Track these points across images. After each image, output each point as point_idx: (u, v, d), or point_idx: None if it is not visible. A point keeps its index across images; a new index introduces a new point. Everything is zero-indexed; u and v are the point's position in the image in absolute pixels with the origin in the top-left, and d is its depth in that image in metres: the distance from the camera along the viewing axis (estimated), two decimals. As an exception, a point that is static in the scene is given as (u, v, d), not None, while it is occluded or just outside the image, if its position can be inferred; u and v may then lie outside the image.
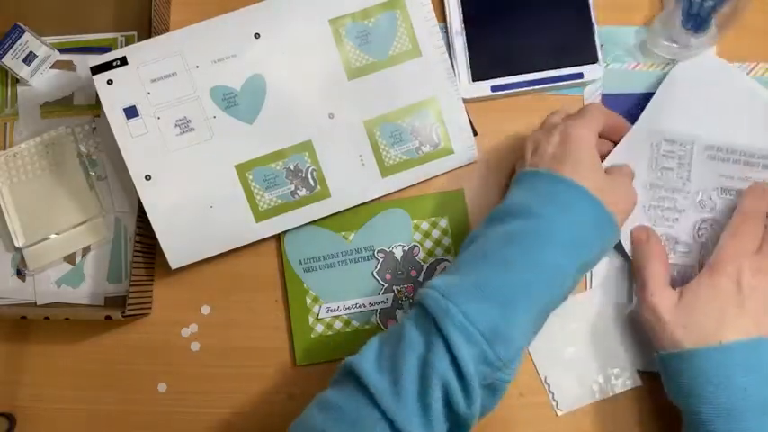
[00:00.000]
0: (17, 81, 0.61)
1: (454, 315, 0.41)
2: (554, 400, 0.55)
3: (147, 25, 0.58)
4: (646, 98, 0.58)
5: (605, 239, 0.48)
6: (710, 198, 0.54)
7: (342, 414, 0.41)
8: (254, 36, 0.54)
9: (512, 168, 0.58)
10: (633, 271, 0.53)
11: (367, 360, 0.42)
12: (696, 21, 0.54)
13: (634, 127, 0.54)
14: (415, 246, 0.57)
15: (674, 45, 0.56)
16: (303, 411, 0.44)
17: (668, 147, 0.55)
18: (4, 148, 0.60)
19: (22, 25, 0.59)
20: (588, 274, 0.56)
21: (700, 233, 0.54)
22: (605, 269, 0.56)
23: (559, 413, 0.55)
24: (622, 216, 0.49)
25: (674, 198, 0.55)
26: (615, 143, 0.54)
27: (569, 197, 0.46)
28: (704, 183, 0.54)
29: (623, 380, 0.55)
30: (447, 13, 0.58)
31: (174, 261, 0.55)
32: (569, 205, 0.46)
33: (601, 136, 0.52)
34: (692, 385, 0.46)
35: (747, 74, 0.58)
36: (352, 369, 0.42)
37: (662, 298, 0.48)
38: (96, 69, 0.53)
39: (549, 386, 0.55)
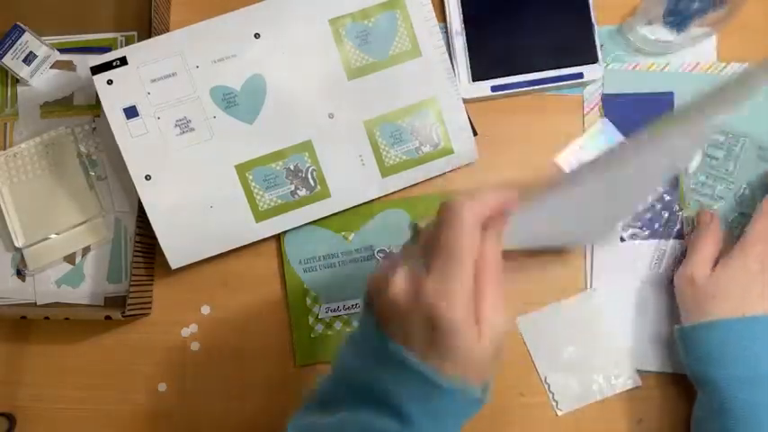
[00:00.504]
0: (17, 81, 0.61)
1: None
2: (554, 400, 0.55)
3: (147, 25, 0.58)
4: (646, 98, 0.58)
5: (472, 413, 0.41)
6: (753, 197, 0.56)
7: None
8: (254, 36, 0.54)
9: (510, 168, 0.58)
10: (688, 245, 0.55)
11: None
12: (677, 18, 0.55)
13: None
14: (415, 246, 0.57)
15: (650, 36, 0.57)
16: None
17: (719, 137, 0.56)
18: (4, 148, 0.60)
19: (22, 25, 0.59)
20: (588, 274, 0.56)
21: (732, 226, 0.56)
22: (605, 268, 0.56)
23: (559, 413, 0.55)
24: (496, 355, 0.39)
25: (713, 186, 0.56)
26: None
27: (449, 405, 0.39)
28: (748, 180, 0.56)
29: (623, 380, 0.55)
30: (447, 13, 0.58)
31: (174, 261, 0.54)
32: (446, 413, 0.39)
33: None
34: (712, 354, 0.49)
35: (747, 74, 0.58)
36: None
37: (699, 270, 0.51)
38: (96, 69, 0.53)
39: (548, 386, 0.55)
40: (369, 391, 0.39)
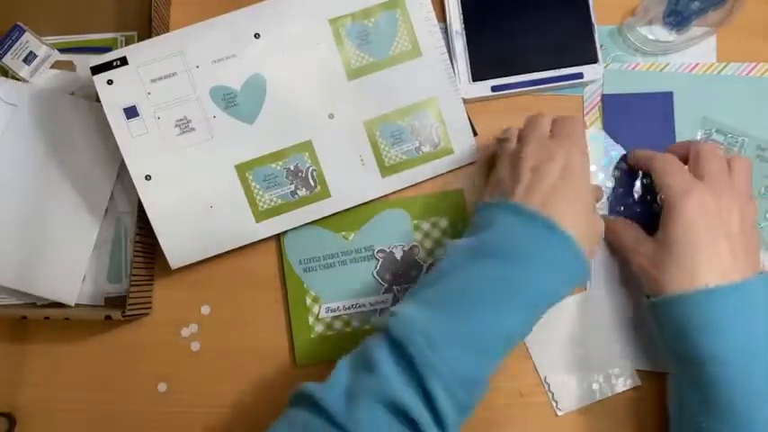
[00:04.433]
0: (17, 81, 0.61)
1: (439, 368, 0.40)
2: (554, 400, 0.55)
3: (147, 25, 0.58)
4: (646, 98, 0.58)
5: (578, 282, 0.48)
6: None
7: None
8: (254, 36, 0.54)
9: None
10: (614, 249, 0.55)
11: (333, 393, 0.41)
12: (677, 18, 0.55)
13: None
14: (415, 246, 0.57)
15: (650, 36, 0.57)
16: (272, 426, 0.43)
17: (718, 137, 0.56)
18: (4, 148, 0.60)
19: (22, 25, 0.59)
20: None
21: None
22: (605, 269, 0.56)
23: (559, 413, 0.55)
24: (593, 247, 0.48)
25: None
26: None
27: (559, 249, 0.45)
28: None
29: (623, 380, 0.55)
30: (447, 13, 0.58)
31: (174, 261, 0.54)
32: (558, 257, 0.45)
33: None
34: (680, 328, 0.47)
35: (747, 74, 0.58)
36: (317, 399, 0.41)
37: (641, 249, 0.50)
38: (96, 69, 0.53)
39: (548, 386, 0.55)
40: (487, 249, 0.45)
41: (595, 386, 0.55)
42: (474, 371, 0.42)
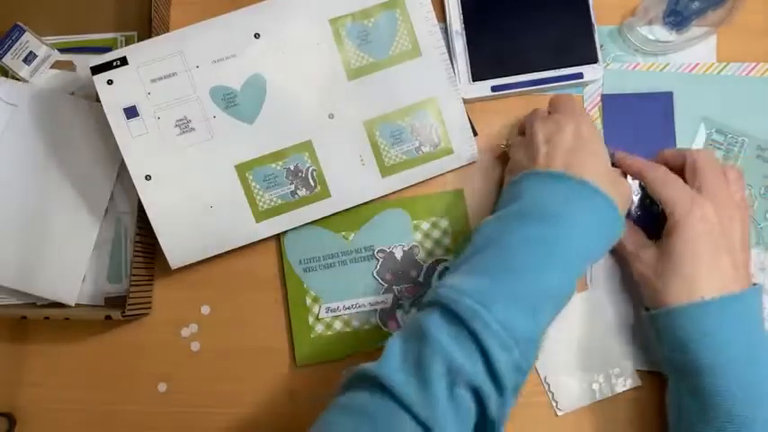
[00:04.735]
0: (17, 81, 0.61)
1: (490, 323, 0.40)
2: (554, 400, 0.55)
3: (147, 25, 0.58)
4: (646, 98, 0.58)
5: (614, 237, 0.49)
6: (751, 195, 0.56)
7: (373, 421, 0.40)
8: (254, 36, 0.54)
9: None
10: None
11: (391, 367, 0.41)
12: (677, 18, 0.55)
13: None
14: (415, 246, 0.57)
15: (650, 36, 0.57)
16: (321, 417, 0.41)
17: (719, 137, 0.56)
18: (4, 148, 0.60)
19: (22, 25, 0.59)
20: (588, 273, 0.56)
21: None
22: (605, 268, 0.56)
23: (559, 413, 0.55)
24: (624, 207, 0.49)
25: None
26: None
27: (591, 203, 0.46)
28: (748, 180, 0.56)
29: (623, 380, 0.55)
30: (447, 13, 0.58)
31: (174, 261, 0.54)
32: (591, 210, 0.46)
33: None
34: (679, 339, 0.47)
35: (747, 74, 0.58)
36: (374, 375, 0.40)
37: (642, 255, 0.51)
38: (96, 69, 0.53)
39: (548, 386, 0.55)
40: (521, 215, 0.46)
41: (595, 386, 0.55)
42: (525, 328, 0.42)
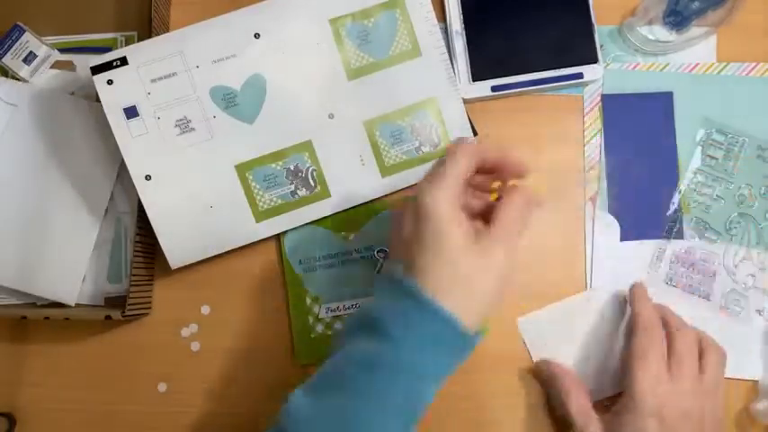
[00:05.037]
0: (17, 81, 0.61)
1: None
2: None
3: (147, 25, 0.58)
4: (646, 98, 0.58)
5: (463, 357, 0.40)
6: (751, 195, 0.56)
7: None
8: (254, 36, 0.54)
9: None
10: (556, 401, 0.53)
11: None
12: (677, 18, 0.55)
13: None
14: (415, 246, 0.57)
15: (650, 36, 0.57)
16: None
17: (719, 137, 0.56)
18: (4, 148, 0.60)
19: (22, 25, 0.59)
20: (588, 273, 0.56)
21: (731, 226, 0.56)
22: (605, 269, 0.56)
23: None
24: (489, 307, 0.40)
25: (713, 186, 0.56)
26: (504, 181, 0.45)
27: (421, 320, 0.38)
28: (748, 180, 0.56)
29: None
30: (447, 13, 0.58)
31: (174, 261, 0.54)
32: (422, 333, 0.38)
33: (493, 171, 0.44)
34: None
35: (747, 74, 0.58)
36: None
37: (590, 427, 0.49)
38: (96, 69, 0.53)
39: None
40: (359, 322, 0.40)
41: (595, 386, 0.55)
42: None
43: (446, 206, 0.39)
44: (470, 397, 0.55)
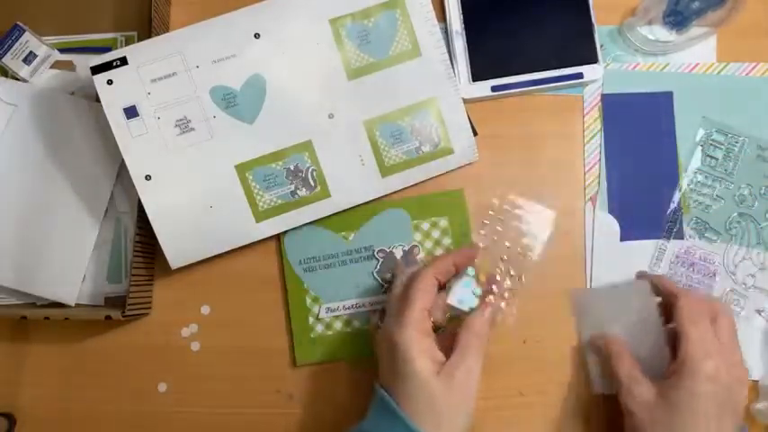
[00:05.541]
0: (17, 81, 0.61)
1: None
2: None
3: (147, 25, 0.58)
4: (646, 98, 0.58)
5: None
6: (751, 195, 0.56)
7: None
8: (254, 36, 0.54)
9: (510, 168, 0.58)
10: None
11: None
12: (677, 18, 0.55)
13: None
14: (415, 246, 0.57)
15: (650, 36, 0.57)
16: None
17: (719, 137, 0.56)
18: (4, 148, 0.60)
19: (22, 25, 0.59)
20: (588, 273, 0.56)
21: (731, 226, 0.56)
22: (605, 269, 0.56)
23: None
24: (459, 418, 0.46)
25: (713, 186, 0.56)
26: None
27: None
28: (748, 180, 0.56)
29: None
30: (447, 13, 0.58)
31: (174, 261, 0.54)
32: None
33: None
34: None
35: (747, 74, 0.58)
36: None
37: (635, 393, 0.48)
38: (96, 69, 0.53)
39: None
40: None
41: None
42: None
43: (412, 342, 0.45)
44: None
